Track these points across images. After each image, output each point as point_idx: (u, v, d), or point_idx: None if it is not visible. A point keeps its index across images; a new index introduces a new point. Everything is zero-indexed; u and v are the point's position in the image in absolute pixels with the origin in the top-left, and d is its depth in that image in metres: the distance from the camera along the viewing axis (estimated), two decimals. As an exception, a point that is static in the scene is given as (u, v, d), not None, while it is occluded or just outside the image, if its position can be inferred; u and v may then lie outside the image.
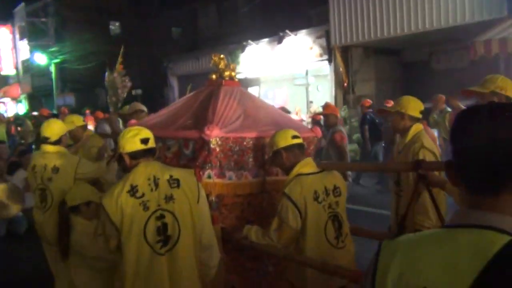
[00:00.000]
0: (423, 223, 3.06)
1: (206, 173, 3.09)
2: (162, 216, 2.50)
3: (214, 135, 3.05)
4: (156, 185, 2.52)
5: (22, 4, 26.62)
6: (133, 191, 2.49)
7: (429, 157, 3.13)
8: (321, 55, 13.90)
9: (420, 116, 3.46)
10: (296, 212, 2.77)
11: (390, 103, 9.97)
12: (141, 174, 2.54)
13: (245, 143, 3.20)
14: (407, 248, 1.08)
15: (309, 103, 15.06)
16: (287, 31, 14.30)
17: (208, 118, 3.21)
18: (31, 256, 5.71)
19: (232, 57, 16.53)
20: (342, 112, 13.06)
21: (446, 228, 1.06)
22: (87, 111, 15.58)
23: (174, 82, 20.09)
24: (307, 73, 15.04)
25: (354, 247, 3.02)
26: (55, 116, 15.34)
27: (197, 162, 3.12)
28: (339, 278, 2.69)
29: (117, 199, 2.46)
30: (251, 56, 15.95)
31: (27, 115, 18.65)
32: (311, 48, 14.02)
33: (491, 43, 8.85)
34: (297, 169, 2.87)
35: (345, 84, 13.66)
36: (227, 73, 3.61)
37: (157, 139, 3.48)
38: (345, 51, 13.63)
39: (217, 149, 3.10)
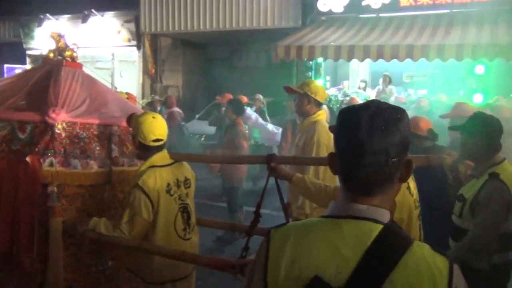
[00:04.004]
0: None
1: (48, 160, 2.77)
2: None
3: (61, 119, 2.76)
4: None
5: None
6: None
7: (322, 152, 3.41)
8: (129, 40, 13.49)
9: (324, 104, 3.73)
10: (149, 204, 2.73)
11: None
12: None
13: (92, 129, 2.98)
14: (298, 234, 1.20)
15: (113, 88, 14.44)
16: (93, 10, 13.41)
17: (49, 100, 2.88)
18: None
19: (25, 31, 14.73)
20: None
21: (330, 218, 1.20)
22: None
23: None
24: (113, 57, 14.39)
25: (198, 238, 3.12)
26: None
27: (36, 148, 2.78)
28: (185, 267, 2.80)
29: None
30: (49, 32, 14.41)
31: None
32: (119, 32, 13.47)
33: (290, 49, 9.90)
34: (151, 161, 2.82)
35: (152, 72, 13.57)
36: (68, 53, 3.29)
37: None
38: (154, 39, 13.53)
39: (63, 135, 2.81)
